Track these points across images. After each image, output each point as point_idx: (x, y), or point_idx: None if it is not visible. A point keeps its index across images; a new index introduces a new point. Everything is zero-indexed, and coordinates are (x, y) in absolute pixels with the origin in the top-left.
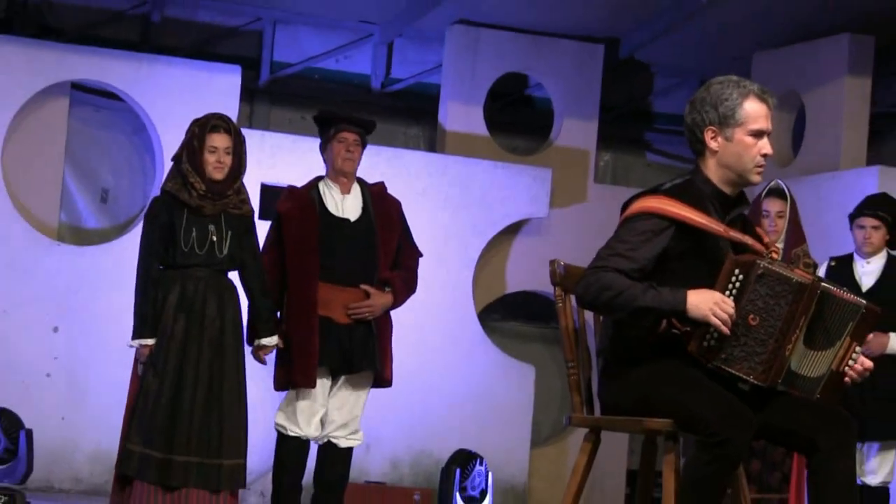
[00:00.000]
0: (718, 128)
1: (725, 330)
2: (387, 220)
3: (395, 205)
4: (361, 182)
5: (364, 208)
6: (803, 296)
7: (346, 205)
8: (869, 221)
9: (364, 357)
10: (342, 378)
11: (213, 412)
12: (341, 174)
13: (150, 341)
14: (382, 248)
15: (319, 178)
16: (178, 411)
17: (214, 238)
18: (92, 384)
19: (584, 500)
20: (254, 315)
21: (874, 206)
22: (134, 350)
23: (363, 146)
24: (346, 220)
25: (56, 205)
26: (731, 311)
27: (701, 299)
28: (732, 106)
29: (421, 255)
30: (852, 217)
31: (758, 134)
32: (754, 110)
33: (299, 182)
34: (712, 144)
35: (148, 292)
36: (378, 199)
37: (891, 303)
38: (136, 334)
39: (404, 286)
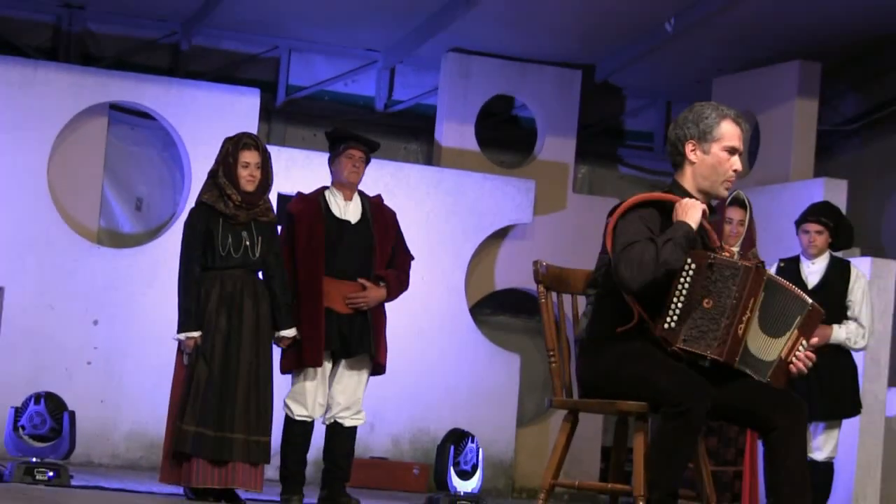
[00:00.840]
0: (698, 142)
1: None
2: (383, 225)
3: (391, 214)
4: (361, 193)
5: (363, 214)
6: (749, 278)
7: (348, 210)
8: (813, 227)
9: (360, 343)
10: (342, 363)
11: (253, 394)
12: (346, 184)
13: (196, 334)
14: (378, 248)
15: (325, 187)
16: (227, 394)
17: (248, 243)
18: (127, 371)
19: (563, 474)
20: (275, 308)
21: (817, 213)
22: (177, 343)
23: (367, 162)
24: (348, 223)
25: (96, 212)
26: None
27: (686, 213)
28: (711, 124)
29: (413, 259)
30: (798, 223)
31: (731, 150)
32: (730, 130)
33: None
34: (691, 156)
35: (190, 291)
36: (376, 208)
37: (833, 298)
38: (182, 328)
39: (397, 283)
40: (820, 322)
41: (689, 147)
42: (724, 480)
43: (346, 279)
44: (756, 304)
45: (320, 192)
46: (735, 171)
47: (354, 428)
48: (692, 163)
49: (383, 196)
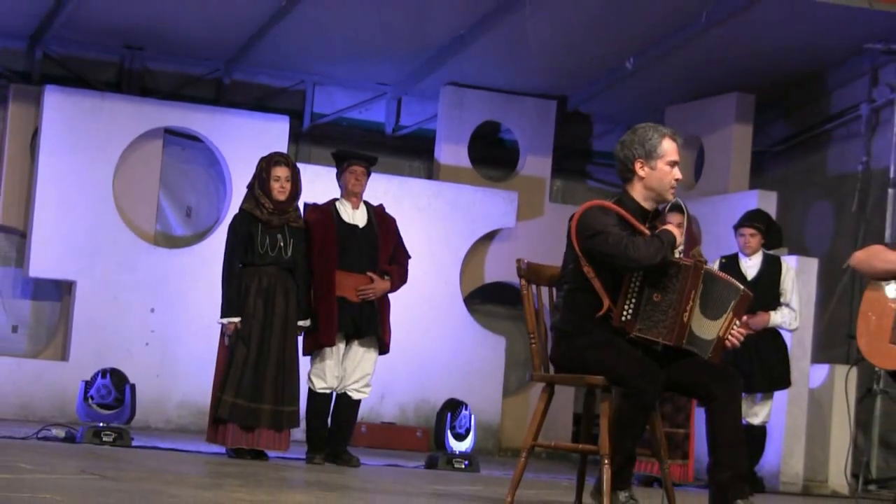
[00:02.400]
0: (645, 160)
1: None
2: (385, 229)
3: (392, 220)
4: (367, 202)
5: (369, 219)
6: (690, 274)
7: (356, 216)
8: (748, 230)
9: (369, 326)
10: (354, 343)
11: (281, 372)
12: (352, 195)
13: (237, 319)
14: (382, 247)
15: (336, 199)
16: (260, 371)
17: (281, 244)
18: (179, 351)
19: (541, 436)
20: (296, 302)
21: (752, 218)
22: (220, 326)
23: (368, 175)
24: (356, 226)
25: (153, 218)
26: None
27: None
28: (655, 144)
29: (410, 257)
30: (735, 227)
31: (672, 163)
32: (669, 147)
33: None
34: (640, 172)
35: (232, 283)
36: (379, 215)
37: (769, 288)
38: (224, 314)
39: (399, 277)
40: (748, 304)
41: (637, 165)
42: (676, 441)
43: (355, 273)
44: (697, 295)
45: (332, 203)
46: (677, 179)
47: (359, 401)
48: (641, 178)
49: (388, 205)
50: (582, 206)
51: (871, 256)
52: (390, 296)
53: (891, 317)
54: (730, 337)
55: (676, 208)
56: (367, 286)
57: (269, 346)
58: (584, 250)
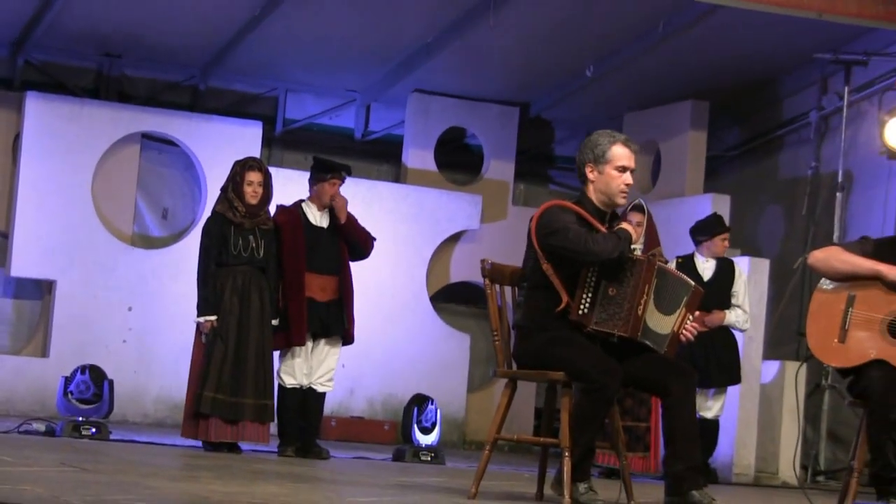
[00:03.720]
0: (594, 164)
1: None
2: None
3: (352, 218)
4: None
5: (330, 221)
6: (643, 269)
7: (322, 219)
8: (727, 235)
9: (335, 324)
10: (321, 341)
11: (260, 367)
12: (323, 203)
13: (213, 317)
14: (343, 247)
15: (302, 201)
16: (240, 366)
17: (253, 245)
18: (155, 347)
19: (504, 430)
20: (269, 299)
21: (725, 224)
22: (196, 324)
23: (342, 184)
24: (322, 228)
25: (130, 219)
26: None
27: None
28: (603, 149)
29: (374, 239)
30: (711, 233)
31: (622, 169)
32: (619, 152)
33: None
34: (590, 176)
35: (208, 283)
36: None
37: (723, 289)
38: (201, 312)
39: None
40: (700, 300)
41: (588, 169)
42: (638, 434)
43: (323, 274)
44: (651, 290)
45: (298, 205)
46: (627, 184)
47: (325, 394)
48: (591, 181)
49: (357, 207)
50: (542, 205)
51: (830, 256)
52: (356, 292)
53: (839, 317)
54: (684, 331)
55: (638, 208)
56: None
57: (247, 342)
58: (543, 248)
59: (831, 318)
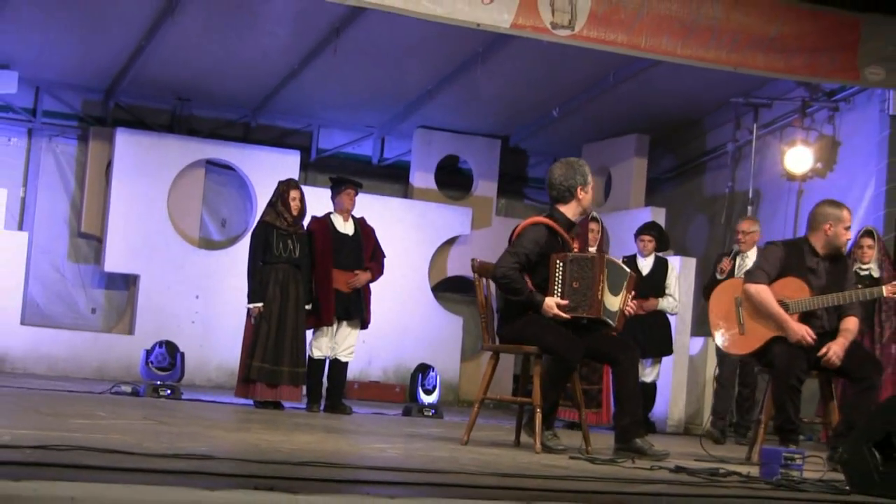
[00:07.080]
0: (583, 187)
1: (561, 313)
2: (366, 235)
3: (371, 229)
4: (353, 215)
5: (355, 229)
6: (597, 262)
7: (346, 226)
8: (646, 237)
9: (356, 311)
10: (343, 323)
11: (295, 343)
12: (344, 210)
13: (260, 304)
14: (365, 249)
15: (330, 213)
16: (280, 342)
17: (291, 247)
18: (216, 328)
19: (490, 391)
20: (303, 290)
21: (648, 228)
22: (247, 310)
23: (356, 194)
24: (347, 235)
25: (197, 227)
26: (561, 307)
27: (547, 305)
28: (587, 176)
29: (385, 256)
30: (636, 234)
31: (592, 189)
32: (593, 178)
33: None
34: (580, 196)
35: (255, 276)
36: (362, 225)
37: (658, 282)
38: (251, 300)
39: (377, 269)
40: (636, 283)
41: (579, 190)
42: (592, 394)
43: (346, 270)
44: (604, 277)
45: (328, 216)
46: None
47: (347, 364)
48: (580, 199)
49: (373, 219)
50: (524, 221)
51: (759, 295)
52: (372, 285)
53: (734, 314)
54: (627, 308)
55: (593, 220)
56: (354, 278)
57: (285, 323)
58: None
59: (728, 317)
